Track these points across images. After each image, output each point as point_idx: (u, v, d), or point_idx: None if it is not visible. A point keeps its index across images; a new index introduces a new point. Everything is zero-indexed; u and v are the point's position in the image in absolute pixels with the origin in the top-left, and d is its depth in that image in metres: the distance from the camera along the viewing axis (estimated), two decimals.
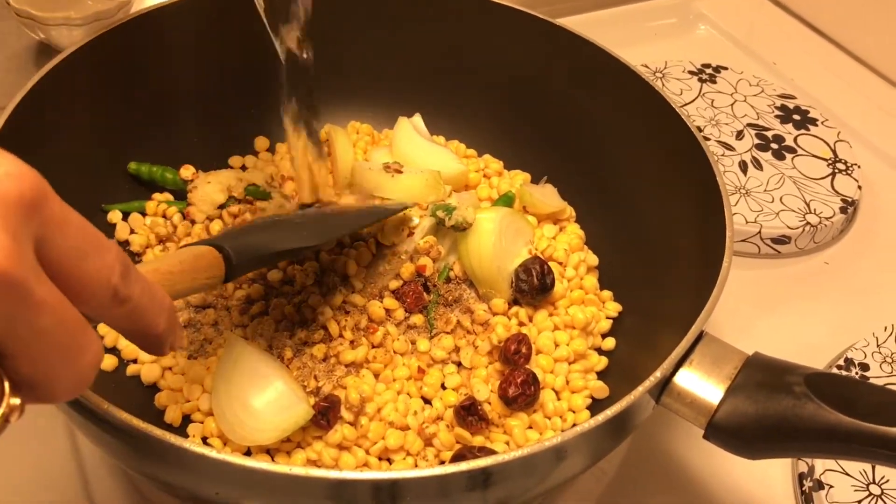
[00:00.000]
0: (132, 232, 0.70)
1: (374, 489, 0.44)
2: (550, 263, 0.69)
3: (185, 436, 0.58)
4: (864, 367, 0.70)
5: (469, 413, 0.59)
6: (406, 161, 0.73)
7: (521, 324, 0.67)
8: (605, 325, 0.68)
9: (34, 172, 0.30)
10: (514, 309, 0.67)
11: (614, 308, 0.69)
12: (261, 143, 0.80)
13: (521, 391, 0.60)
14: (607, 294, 0.70)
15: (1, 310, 0.29)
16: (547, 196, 0.75)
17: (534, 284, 0.66)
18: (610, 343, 0.67)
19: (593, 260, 0.72)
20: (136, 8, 0.91)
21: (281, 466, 0.43)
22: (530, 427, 0.61)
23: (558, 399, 0.63)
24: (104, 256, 0.33)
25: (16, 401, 0.31)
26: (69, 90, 0.64)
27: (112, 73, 0.69)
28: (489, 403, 0.61)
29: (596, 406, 0.63)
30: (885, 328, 0.73)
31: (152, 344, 0.39)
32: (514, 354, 0.62)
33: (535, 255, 0.68)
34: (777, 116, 0.94)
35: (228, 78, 0.77)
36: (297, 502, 0.45)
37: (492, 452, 0.55)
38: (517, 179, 0.78)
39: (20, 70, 0.92)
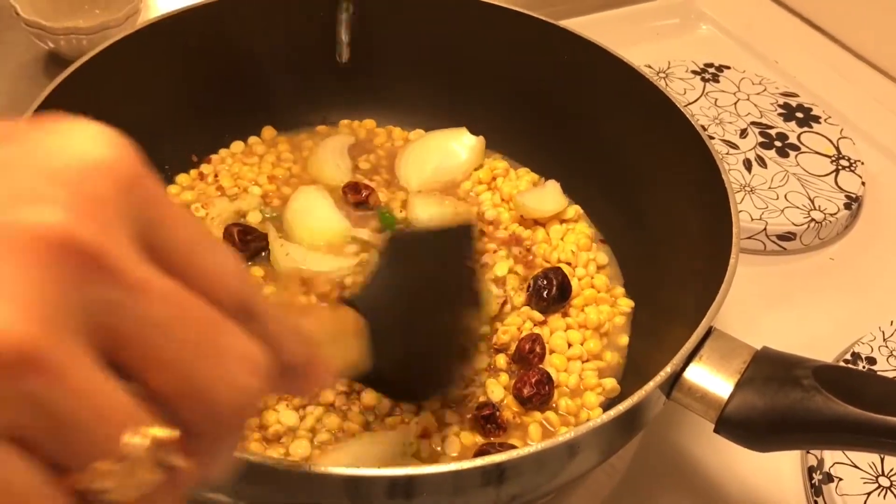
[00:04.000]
0: None
1: (390, 485, 0.45)
2: (560, 265, 0.70)
3: None
4: (871, 360, 0.71)
5: (488, 421, 0.59)
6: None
7: (535, 323, 0.67)
8: (621, 320, 0.68)
9: (131, 146, 0.26)
10: (526, 308, 0.68)
11: (627, 304, 0.70)
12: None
13: (536, 391, 0.61)
14: (619, 291, 0.71)
15: (96, 293, 0.23)
16: (545, 199, 0.75)
17: (552, 294, 0.66)
18: (623, 340, 0.68)
19: (603, 259, 0.73)
20: (144, 17, 0.92)
21: (298, 463, 0.44)
22: (544, 426, 0.62)
23: (572, 398, 0.63)
24: (222, 254, 0.27)
25: (169, 433, 0.24)
26: (81, 100, 0.65)
27: (121, 84, 0.70)
28: (503, 403, 0.62)
29: (608, 403, 0.64)
30: (892, 322, 0.73)
31: (293, 380, 0.31)
32: (528, 353, 0.63)
33: (555, 266, 0.69)
34: (780, 114, 0.95)
35: (235, 86, 0.78)
36: (313, 498, 0.46)
37: (511, 447, 0.56)
38: (523, 181, 0.78)
39: (30, 80, 0.93)
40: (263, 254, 0.70)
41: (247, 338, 0.26)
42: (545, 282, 0.67)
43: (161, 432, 0.23)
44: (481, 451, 0.58)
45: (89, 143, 0.25)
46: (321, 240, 0.71)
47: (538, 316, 0.67)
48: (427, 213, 0.74)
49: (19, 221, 0.22)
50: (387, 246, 0.54)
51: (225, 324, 0.26)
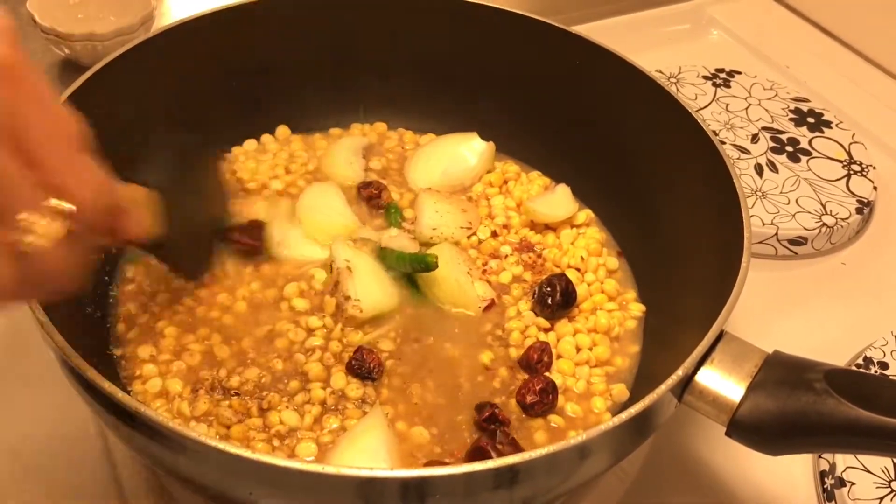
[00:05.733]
0: None
1: (403, 487, 0.45)
2: (569, 271, 0.70)
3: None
4: (884, 365, 0.71)
5: (491, 422, 0.59)
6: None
7: (541, 329, 0.67)
8: (632, 325, 0.68)
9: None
10: (530, 315, 0.68)
11: (638, 308, 0.70)
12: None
13: (539, 399, 0.61)
14: (630, 295, 0.71)
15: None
16: (556, 204, 0.76)
17: (556, 300, 0.67)
18: (634, 344, 0.68)
19: (613, 263, 0.73)
20: (158, 24, 0.93)
21: (312, 465, 0.44)
22: (550, 430, 0.61)
23: (579, 402, 0.63)
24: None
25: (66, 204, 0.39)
26: (97, 105, 0.66)
27: (135, 89, 0.70)
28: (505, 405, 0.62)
29: (618, 408, 0.64)
30: None
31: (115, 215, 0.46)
32: (536, 363, 0.63)
33: (560, 273, 0.69)
34: (791, 119, 0.95)
35: (248, 90, 0.79)
36: (326, 500, 0.46)
37: (519, 449, 0.56)
38: (535, 185, 0.79)
39: None
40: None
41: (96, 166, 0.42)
42: (549, 288, 0.67)
43: (62, 203, 0.39)
44: (477, 450, 0.57)
45: None
46: (327, 235, 0.71)
47: (544, 322, 0.67)
48: (434, 209, 0.74)
49: None
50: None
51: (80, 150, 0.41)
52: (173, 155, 0.62)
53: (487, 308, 0.68)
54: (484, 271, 0.71)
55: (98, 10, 0.96)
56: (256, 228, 0.71)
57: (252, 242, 0.70)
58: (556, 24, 0.76)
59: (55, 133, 0.40)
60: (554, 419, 0.61)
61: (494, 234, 0.74)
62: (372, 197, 0.76)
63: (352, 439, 0.58)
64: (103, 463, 0.63)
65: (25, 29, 0.93)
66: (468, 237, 0.74)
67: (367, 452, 0.57)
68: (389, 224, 0.74)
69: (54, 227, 0.39)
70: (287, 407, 0.60)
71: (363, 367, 0.62)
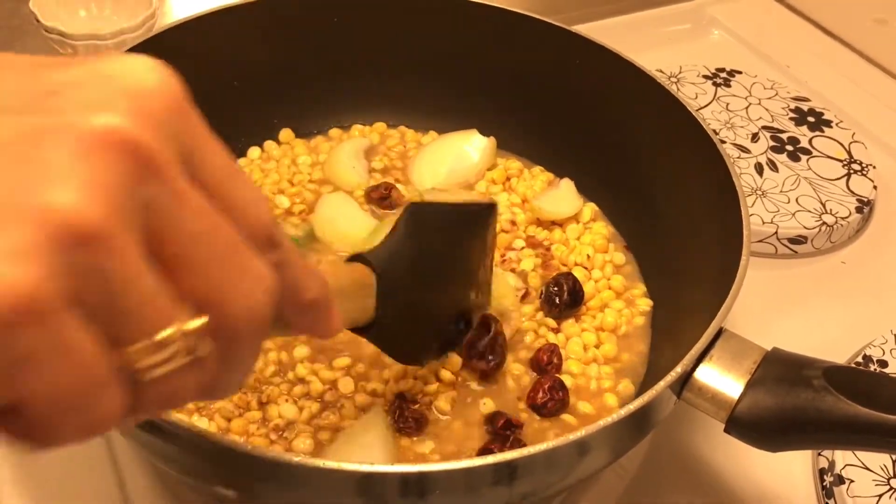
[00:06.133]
0: None
1: (403, 482, 0.45)
2: (576, 269, 0.70)
3: None
4: (883, 363, 0.71)
5: (505, 429, 0.59)
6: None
7: (549, 329, 0.67)
8: (640, 321, 0.68)
9: (180, 80, 0.29)
10: (540, 315, 0.68)
11: (646, 304, 0.70)
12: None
13: (550, 396, 0.61)
14: (638, 291, 0.71)
15: (148, 192, 0.26)
16: (561, 201, 0.76)
17: (564, 299, 0.67)
18: (643, 341, 0.68)
19: (619, 259, 0.73)
20: (160, 24, 0.93)
21: (311, 459, 0.44)
22: (565, 430, 0.61)
23: (590, 401, 0.63)
24: (251, 187, 0.30)
25: (198, 322, 0.27)
26: None
27: None
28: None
29: (627, 403, 0.63)
30: None
31: (305, 313, 0.34)
32: (546, 365, 0.63)
33: (567, 272, 0.69)
34: (791, 119, 0.95)
35: (249, 92, 0.79)
36: (325, 496, 0.46)
37: (521, 445, 0.56)
38: (538, 180, 0.79)
39: None
40: None
41: (264, 262, 0.30)
42: (556, 288, 0.67)
43: (192, 323, 0.27)
44: (485, 450, 0.58)
45: (147, 69, 0.28)
46: (354, 242, 0.71)
47: (551, 322, 0.67)
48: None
49: (89, 122, 0.26)
50: (406, 212, 0.55)
51: (246, 247, 0.29)
52: None
53: (524, 297, 0.68)
54: (504, 261, 0.72)
55: (101, 9, 0.96)
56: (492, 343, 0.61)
57: (486, 368, 0.61)
58: (557, 24, 0.76)
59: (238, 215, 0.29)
60: (567, 419, 0.61)
61: (504, 231, 0.74)
62: (383, 198, 0.76)
63: (350, 436, 0.58)
64: (106, 463, 0.63)
65: (27, 28, 0.94)
66: None
67: (365, 450, 0.57)
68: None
69: (178, 353, 0.27)
70: (286, 401, 0.60)
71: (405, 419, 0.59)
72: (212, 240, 0.28)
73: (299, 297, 0.33)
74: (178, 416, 0.45)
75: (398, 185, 0.78)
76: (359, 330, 0.49)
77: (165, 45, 0.71)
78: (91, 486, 0.62)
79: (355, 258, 0.48)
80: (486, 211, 0.63)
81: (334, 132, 0.83)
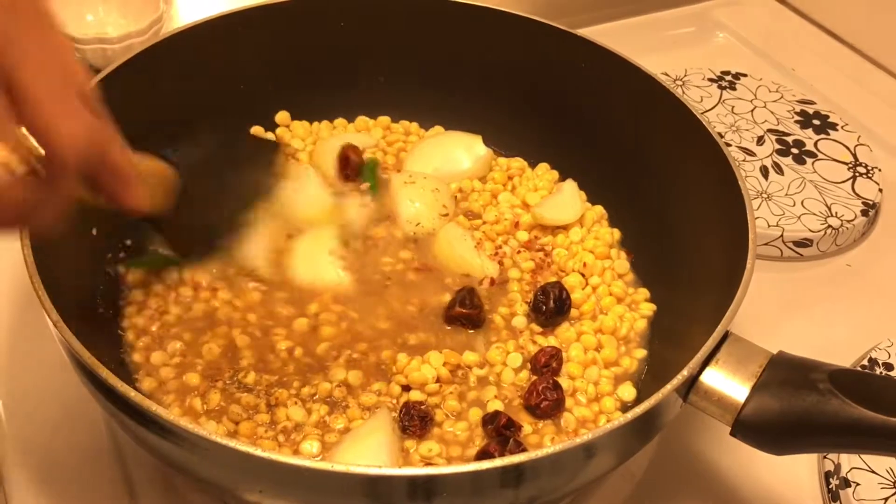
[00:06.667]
0: None
1: (410, 485, 0.46)
2: (574, 275, 0.71)
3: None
4: (889, 367, 0.71)
5: (506, 428, 0.59)
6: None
7: (535, 334, 0.67)
8: (642, 325, 0.69)
9: None
10: (530, 323, 0.68)
11: (649, 308, 0.70)
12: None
13: (544, 396, 0.61)
14: (640, 295, 0.71)
15: None
16: (562, 207, 0.76)
17: (550, 308, 0.67)
18: (644, 345, 0.68)
19: (622, 266, 0.73)
20: (167, 28, 0.93)
21: (321, 463, 0.44)
22: (562, 433, 0.62)
23: (588, 405, 0.63)
24: (75, 59, 0.42)
25: (34, 140, 0.40)
26: (106, 109, 0.66)
27: (145, 92, 0.71)
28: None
29: (626, 408, 0.64)
30: None
31: (112, 173, 0.45)
32: (543, 367, 0.64)
33: (555, 281, 0.69)
34: (797, 122, 0.95)
35: (257, 93, 0.79)
36: (334, 498, 0.47)
37: (523, 449, 0.56)
38: (542, 180, 0.79)
39: None
40: None
41: (88, 112, 0.41)
42: (543, 296, 0.67)
43: (30, 140, 0.39)
44: (484, 452, 0.58)
45: None
46: (309, 224, 0.73)
47: (537, 328, 0.68)
48: (408, 200, 0.75)
49: None
50: (228, 141, 0.72)
51: (75, 96, 0.41)
52: (202, 145, 0.65)
53: (492, 284, 0.70)
54: (496, 253, 0.73)
55: (108, 13, 0.96)
56: (470, 294, 0.68)
57: (470, 312, 0.67)
58: (562, 27, 0.77)
59: (50, 66, 0.39)
60: (565, 421, 0.62)
61: (505, 232, 0.75)
62: (346, 163, 0.77)
63: (357, 438, 0.58)
64: (113, 460, 0.63)
65: None
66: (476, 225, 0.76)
67: (371, 451, 0.57)
68: (365, 181, 0.77)
69: (12, 161, 0.39)
70: (295, 403, 0.60)
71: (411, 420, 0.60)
72: (48, 84, 0.39)
73: (110, 155, 0.44)
74: (185, 420, 0.46)
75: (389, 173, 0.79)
76: (153, 219, 0.58)
77: (173, 49, 0.72)
78: (97, 481, 0.62)
79: (164, 158, 0.57)
80: (271, 147, 0.77)
81: (339, 122, 0.84)
